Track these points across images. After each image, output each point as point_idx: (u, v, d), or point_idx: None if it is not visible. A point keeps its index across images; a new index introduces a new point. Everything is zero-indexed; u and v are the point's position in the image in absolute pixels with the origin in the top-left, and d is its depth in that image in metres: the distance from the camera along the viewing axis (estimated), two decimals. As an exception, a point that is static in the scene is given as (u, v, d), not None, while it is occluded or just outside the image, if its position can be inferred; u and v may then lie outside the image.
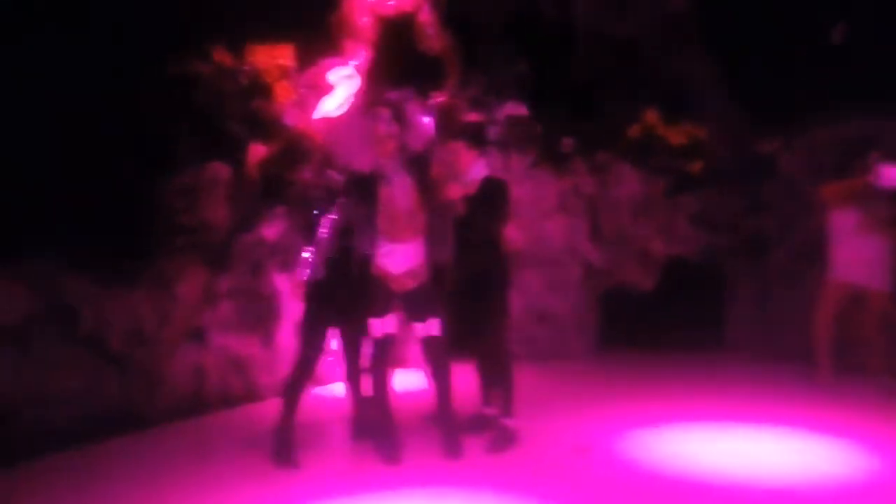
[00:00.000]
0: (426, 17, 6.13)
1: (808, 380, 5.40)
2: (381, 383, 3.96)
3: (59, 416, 4.13)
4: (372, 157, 3.80)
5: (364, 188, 3.83)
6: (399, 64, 5.77)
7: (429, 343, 3.93)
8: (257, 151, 5.18)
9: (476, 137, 4.28)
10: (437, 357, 3.95)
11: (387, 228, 3.85)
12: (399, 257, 3.87)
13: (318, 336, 3.95)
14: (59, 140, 4.66)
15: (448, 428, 3.99)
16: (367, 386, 4.16)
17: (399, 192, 3.84)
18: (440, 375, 3.97)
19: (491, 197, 4.08)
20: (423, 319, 3.90)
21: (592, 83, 6.87)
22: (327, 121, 5.26)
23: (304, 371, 3.96)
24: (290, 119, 5.26)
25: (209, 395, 4.79)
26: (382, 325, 3.89)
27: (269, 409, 4.40)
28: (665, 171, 6.51)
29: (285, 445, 3.86)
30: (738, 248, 6.53)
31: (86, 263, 4.38)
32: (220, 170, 5.00)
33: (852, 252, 5.31)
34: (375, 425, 4.09)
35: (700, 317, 6.52)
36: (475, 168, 4.13)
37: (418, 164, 3.90)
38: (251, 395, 4.97)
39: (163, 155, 4.97)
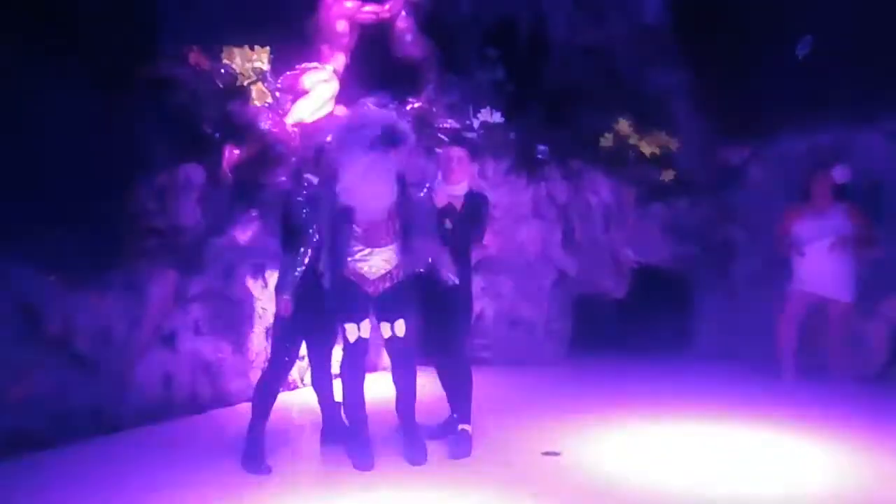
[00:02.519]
0: (403, 24, 6.16)
1: (773, 384, 5.53)
2: (353, 388, 3.96)
3: (24, 418, 4.07)
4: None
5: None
6: (376, 69, 5.79)
7: (394, 344, 3.93)
8: (231, 154, 5.16)
9: (463, 145, 4.36)
10: (401, 359, 3.95)
11: (364, 232, 3.85)
12: (376, 260, 3.88)
13: (291, 341, 3.94)
14: (29, 139, 4.60)
15: (409, 433, 3.98)
16: (337, 391, 4.18)
17: (378, 196, 3.82)
18: (403, 378, 3.97)
19: (474, 213, 4.16)
20: (391, 320, 3.90)
21: (567, 91, 6.97)
22: (317, 126, 5.27)
23: (277, 376, 3.95)
24: (265, 122, 5.25)
25: (178, 400, 4.75)
26: (357, 331, 3.89)
27: (239, 414, 4.38)
28: (637, 180, 6.62)
29: (255, 450, 3.85)
30: (706, 256, 6.66)
31: (54, 264, 4.32)
32: (194, 172, 4.97)
33: (815, 263, 5.45)
34: (346, 431, 4.10)
35: (669, 323, 6.63)
36: (465, 180, 4.20)
37: (400, 172, 3.89)
38: (221, 399, 4.94)
39: (136, 156, 4.93)
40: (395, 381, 4.01)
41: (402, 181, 3.89)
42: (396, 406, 4.02)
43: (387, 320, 3.90)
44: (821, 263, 5.43)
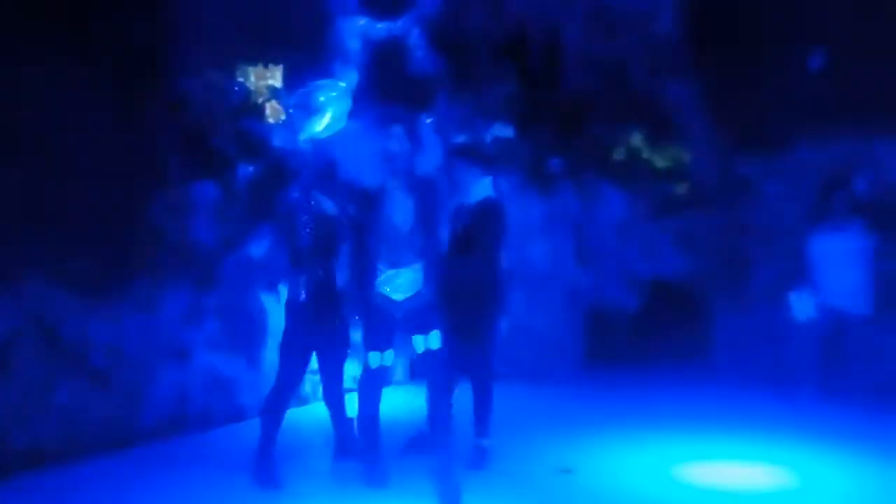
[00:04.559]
0: (415, 40, 6.21)
1: (790, 399, 5.46)
2: (369, 409, 3.90)
3: (40, 433, 4.11)
4: (379, 174, 3.69)
5: (367, 207, 3.72)
6: (388, 86, 5.83)
7: (428, 359, 3.79)
8: (246, 171, 5.22)
9: (480, 157, 4.36)
10: (435, 377, 3.82)
11: (386, 252, 3.73)
12: (401, 281, 3.76)
13: (298, 356, 3.95)
14: (44, 156, 4.67)
15: (444, 471, 3.69)
16: (349, 406, 4.17)
17: (400, 213, 3.72)
18: (438, 401, 3.82)
19: (485, 219, 4.11)
20: (424, 333, 3.76)
21: (579, 105, 6.96)
22: (336, 135, 5.31)
23: (284, 391, 3.96)
24: (279, 139, 5.31)
25: (192, 415, 4.78)
26: (380, 359, 3.81)
27: (252, 429, 4.39)
28: (650, 194, 6.60)
29: (266, 466, 3.86)
30: (721, 269, 6.61)
31: (70, 280, 4.37)
32: (209, 188, 5.03)
33: (834, 276, 5.39)
34: (359, 447, 4.09)
35: (683, 337, 6.58)
36: (477, 189, 4.16)
37: (424, 187, 3.80)
38: (234, 414, 4.96)
39: (151, 172, 4.99)
40: (431, 406, 3.85)
41: (425, 189, 3.78)
42: (431, 435, 3.88)
43: (420, 333, 3.78)
44: (840, 276, 5.37)
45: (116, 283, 4.61)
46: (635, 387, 6.07)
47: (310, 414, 5.12)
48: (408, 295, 3.76)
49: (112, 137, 4.81)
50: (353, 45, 5.92)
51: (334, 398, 4.21)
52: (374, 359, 3.80)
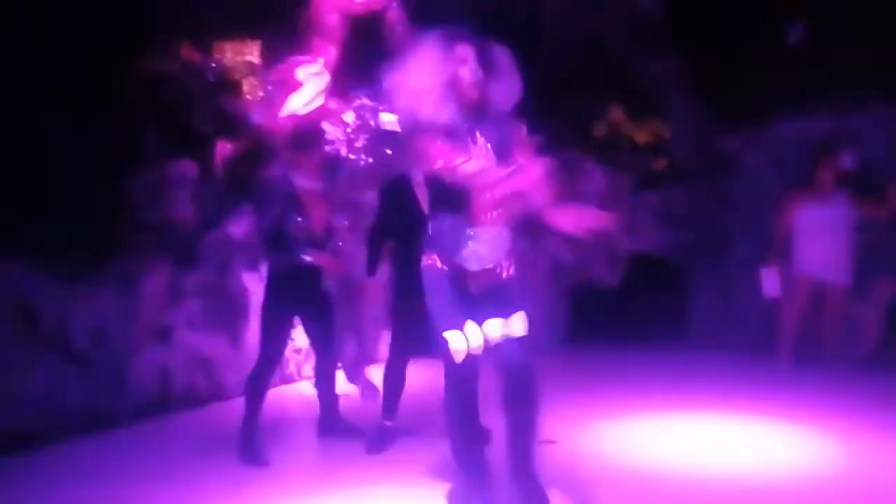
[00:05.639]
0: (394, 16, 6.14)
1: (769, 369, 5.55)
2: (463, 428, 2.98)
3: (21, 416, 4.08)
4: (450, 107, 2.80)
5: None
6: (367, 62, 5.77)
7: (510, 350, 2.87)
8: (224, 148, 5.16)
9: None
10: (519, 375, 2.88)
11: (466, 202, 2.83)
12: (480, 246, 2.87)
13: (278, 332, 3.95)
14: (21, 136, 4.59)
15: (526, 479, 2.97)
16: (339, 382, 4.20)
17: (476, 160, 2.82)
18: (521, 405, 2.92)
19: None
20: (504, 315, 2.86)
21: (560, 80, 6.94)
22: (309, 119, 5.22)
23: (266, 368, 3.96)
24: (258, 116, 5.25)
25: (175, 395, 4.77)
26: (465, 339, 2.79)
27: (236, 408, 4.39)
28: (630, 169, 6.61)
29: (251, 443, 3.87)
30: (701, 243, 6.66)
31: (48, 260, 4.32)
32: (187, 167, 4.97)
33: (815, 248, 5.47)
34: (344, 422, 4.11)
35: (665, 311, 6.64)
36: None
37: (502, 126, 2.93)
38: (217, 393, 4.96)
39: (129, 151, 4.93)
40: (509, 409, 2.94)
41: (503, 128, 2.91)
42: (509, 445, 3.01)
43: (500, 316, 2.85)
44: (824, 249, 5.44)
45: (95, 264, 4.56)
46: (616, 360, 6.12)
47: (295, 391, 5.12)
48: (485, 265, 2.89)
49: (88, 116, 4.74)
50: (332, 20, 5.84)
51: (324, 374, 4.21)
52: (456, 340, 2.76)
